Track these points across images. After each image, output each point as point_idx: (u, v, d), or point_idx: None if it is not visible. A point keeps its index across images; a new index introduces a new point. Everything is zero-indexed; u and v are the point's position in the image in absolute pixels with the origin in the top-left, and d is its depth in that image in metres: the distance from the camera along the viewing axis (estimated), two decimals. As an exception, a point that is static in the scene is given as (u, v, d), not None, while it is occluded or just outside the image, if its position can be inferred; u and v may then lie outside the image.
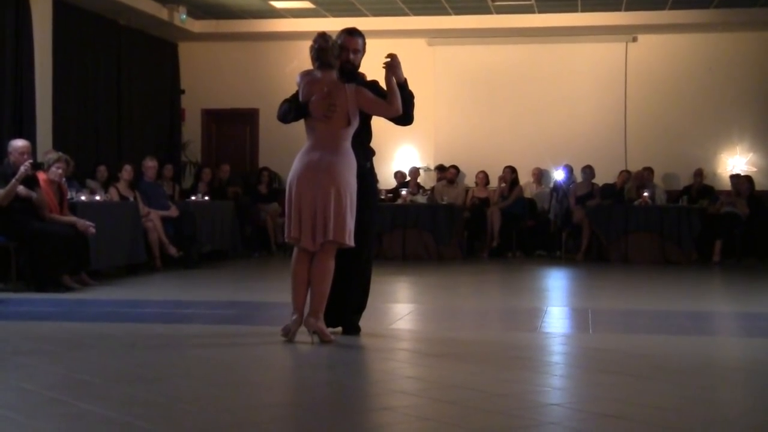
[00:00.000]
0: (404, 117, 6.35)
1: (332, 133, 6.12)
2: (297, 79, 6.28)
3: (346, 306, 6.39)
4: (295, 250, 6.19)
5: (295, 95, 6.28)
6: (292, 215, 6.13)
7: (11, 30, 12.01)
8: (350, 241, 6.06)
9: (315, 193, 6.01)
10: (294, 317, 6.12)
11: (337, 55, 6.18)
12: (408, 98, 6.33)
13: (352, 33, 6.42)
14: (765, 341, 6.72)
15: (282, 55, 15.81)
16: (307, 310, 6.10)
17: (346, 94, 6.11)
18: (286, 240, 6.24)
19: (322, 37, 6.19)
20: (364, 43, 6.45)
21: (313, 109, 6.10)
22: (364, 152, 6.43)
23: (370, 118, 6.45)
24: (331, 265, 6.08)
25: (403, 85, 6.25)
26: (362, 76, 6.44)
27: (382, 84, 6.24)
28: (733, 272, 12.58)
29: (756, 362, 5.88)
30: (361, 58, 6.43)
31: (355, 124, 6.17)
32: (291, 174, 6.18)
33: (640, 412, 4.29)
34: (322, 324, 6.07)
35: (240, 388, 4.87)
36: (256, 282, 11.14)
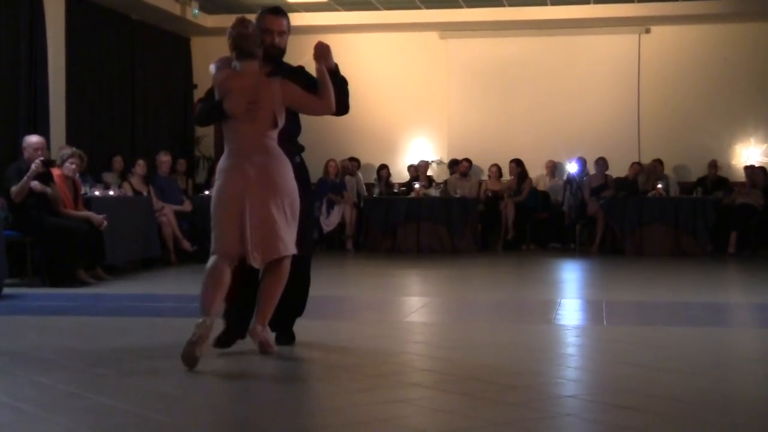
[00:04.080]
0: (339, 107, 5.59)
1: (257, 134, 5.28)
2: (211, 69, 5.44)
3: (284, 312, 5.68)
4: (218, 258, 5.25)
5: (211, 92, 5.48)
6: (221, 228, 5.26)
7: (25, 26, 12.03)
8: (294, 248, 5.36)
9: (257, 205, 5.20)
10: (201, 321, 5.04)
11: (260, 43, 5.37)
12: (341, 86, 5.60)
13: (275, 12, 5.62)
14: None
15: (295, 49, 15.46)
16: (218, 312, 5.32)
17: (272, 90, 5.30)
18: (215, 253, 5.25)
19: (241, 23, 5.36)
20: (289, 24, 5.66)
21: (231, 107, 5.25)
22: (293, 146, 5.62)
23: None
24: (288, 267, 5.38)
25: (334, 72, 5.53)
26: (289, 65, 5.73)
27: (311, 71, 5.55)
28: (748, 263, 12.54)
29: (771, 353, 5.88)
30: (287, 41, 5.66)
31: (282, 123, 5.36)
32: (220, 183, 5.30)
33: (656, 403, 4.29)
34: (267, 334, 5.42)
35: (255, 380, 4.89)
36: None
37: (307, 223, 5.75)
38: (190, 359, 4.91)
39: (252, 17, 5.55)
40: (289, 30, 5.65)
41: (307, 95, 5.40)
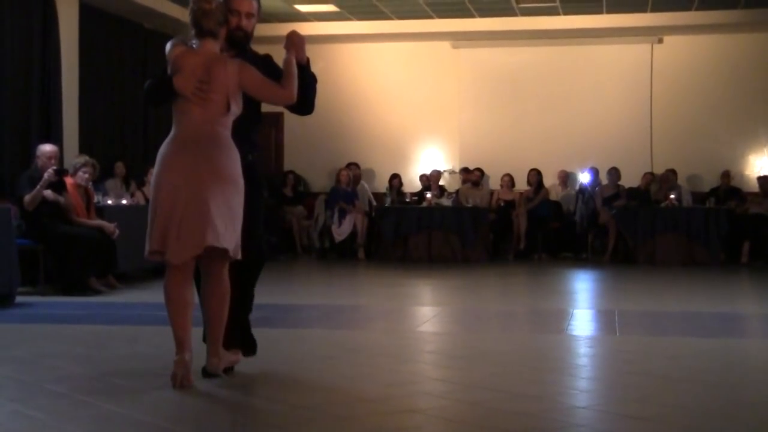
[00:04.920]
0: (303, 104, 5.12)
1: (208, 119, 4.78)
2: (167, 47, 4.95)
3: (238, 326, 5.17)
4: (167, 271, 4.82)
5: (165, 71, 4.96)
6: (158, 222, 4.74)
7: (39, 35, 12.09)
8: (239, 254, 4.82)
9: (193, 193, 4.68)
10: (179, 357, 4.73)
11: (222, 22, 4.89)
12: (309, 82, 5.12)
13: None
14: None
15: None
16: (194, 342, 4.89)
17: (227, 71, 4.80)
18: (146, 256, 4.83)
19: None
20: (260, 6, 5.18)
21: (180, 86, 4.76)
22: (247, 143, 5.08)
23: (259, 102, 5.19)
24: (228, 284, 4.85)
25: (304, 66, 5.07)
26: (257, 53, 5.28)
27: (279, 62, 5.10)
28: (761, 274, 12.49)
29: (785, 364, 5.86)
30: (255, 25, 5.17)
31: (237, 110, 4.86)
32: (157, 170, 4.84)
33: (668, 414, 4.27)
34: (225, 356, 4.96)
35: (263, 387, 4.89)
36: (283, 285, 11.16)
37: (257, 226, 5.14)
38: (185, 388, 4.68)
39: (284, 28, 5.19)
40: (259, 14, 5.18)
41: (267, 81, 4.89)
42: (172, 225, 4.68)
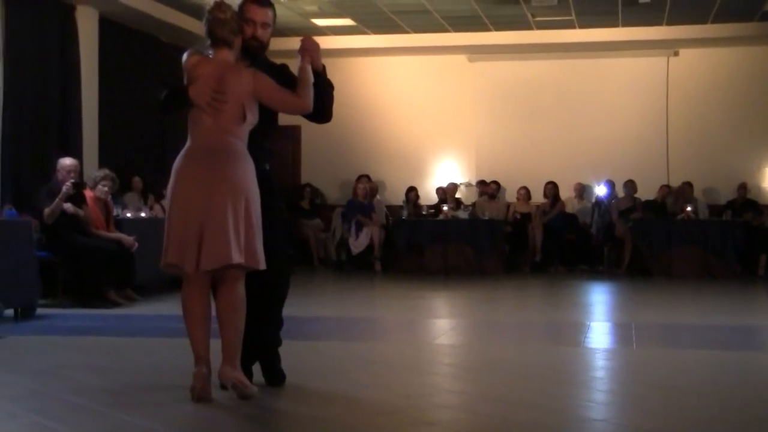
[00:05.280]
0: (319, 112, 5.00)
1: (222, 129, 4.73)
2: (183, 57, 4.93)
3: (262, 348, 5.12)
4: (184, 281, 4.80)
5: (181, 79, 4.93)
6: (174, 234, 4.70)
7: (58, 49, 12.16)
8: (262, 262, 4.73)
9: (208, 205, 4.62)
10: (196, 369, 4.70)
11: (236, 31, 4.83)
12: (325, 89, 5.00)
13: (259, 1, 4.98)
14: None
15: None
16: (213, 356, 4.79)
17: (241, 80, 4.75)
18: (162, 267, 4.81)
19: (218, 7, 4.80)
20: (275, 16, 5.05)
21: (195, 96, 4.73)
22: (262, 151, 4.99)
23: (276, 112, 5.10)
24: (243, 293, 4.74)
25: (320, 74, 4.95)
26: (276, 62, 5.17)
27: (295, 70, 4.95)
28: (777, 286, 12.45)
29: (802, 377, 5.83)
30: (271, 35, 5.06)
31: (253, 119, 4.81)
32: (172, 182, 4.79)
33: (685, 427, 4.26)
34: (240, 374, 4.74)
35: (286, 400, 4.89)
36: (300, 297, 11.13)
37: (276, 237, 5.01)
38: (203, 401, 4.64)
39: None
40: (274, 23, 5.05)
41: (281, 89, 4.81)
42: (189, 238, 4.62)
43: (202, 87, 4.74)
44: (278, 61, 5.11)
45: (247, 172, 4.73)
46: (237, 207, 4.64)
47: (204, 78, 4.76)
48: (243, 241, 4.64)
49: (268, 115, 4.99)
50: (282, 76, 4.97)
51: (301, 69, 4.85)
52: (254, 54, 4.98)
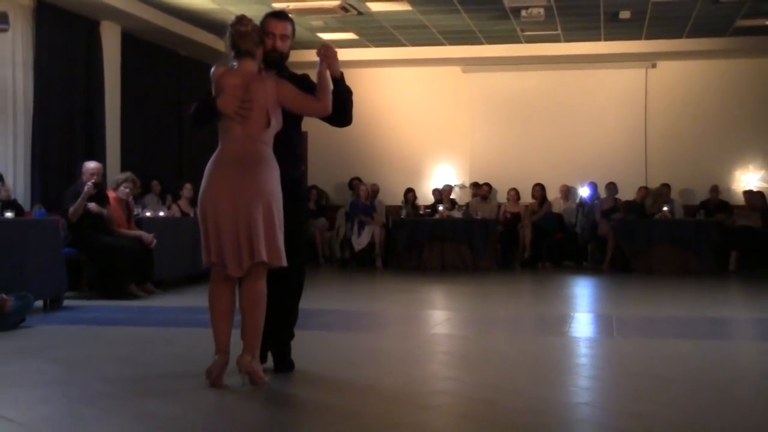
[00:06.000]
0: (340, 116, 5.04)
1: (250, 135, 4.73)
2: (211, 71, 4.90)
3: (277, 338, 5.19)
4: (212, 277, 4.84)
5: (209, 92, 4.90)
6: (210, 236, 4.73)
7: (83, 62, 12.19)
8: (284, 260, 4.76)
9: (237, 209, 4.66)
10: (216, 357, 4.76)
11: (257, 42, 4.83)
12: (344, 95, 5.04)
13: (278, 15, 5.05)
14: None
15: (328, 83, 15.82)
16: (233, 345, 4.82)
17: (265, 88, 4.76)
18: (205, 265, 4.81)
19: (239, 21, 4.82)
20: (294, 29, 5.08)
21: (223, 105, 4.73)
22: (293, 158, 5.09)
23: (301, 118, 5.15)
24: (264, 288, 4.77)
25: (338, 80, 4.99)
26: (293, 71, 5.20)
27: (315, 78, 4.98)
28: (748, 281, 12.44)
29: (771, 365, 5.84)
30: (290, 46, 5.08)
31: (277, 124, 4.81)
32: (203, 187, 4.77)
33: (662, 410, 4.26)
34: (257, 364, 4.78)
35: (294, 388, 4.91)
36: (306, 291, 11.14)
37: (301, 238, 5.16)
38: (216, 387, 4.70)
39: (308, 54, 5.03)
40: (293, 35, 5.07)
41: (302, 94, 4.82)
42: (226, 240, 4.66)
43: (229, 97, 4.74)
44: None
45: (271, 175, 4.73)
46: (263, 208, 4.66)
47: (230, 88, 4.76)
48: (268, 240, 4.67)
49: (296, 123, 5.04)
50: (304, 84, 4.98)
51: (320, 74, 4.86)
52: (275, 64, 4.98)
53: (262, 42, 4.89)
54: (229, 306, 4.81)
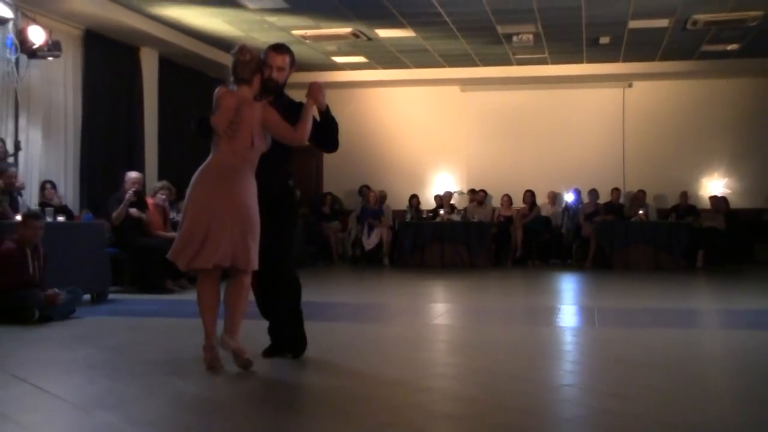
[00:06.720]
0: (326, 143, 5.08)
1: (234, 152, 4.76)
2: (215, 91, 4.96)
3: (287, 341, 5.19)
4: (199, 277, 4.88)
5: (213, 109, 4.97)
6: (181, 234, 4.79)
7: (125, 84, 12.23)
8: (253, 264, 4.72)
9: (211, 215, 4.67)
10: (206, 343, 4.82)
11: (254, 71, 4.84)
12: (330, 125, 5.02)
13: (277, 48, 5.02)
14: (744, 332, 6.63)
15: (341, 100, 15.71)
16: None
17: (254, 112, 4.77)
18: (169, 257, 4.84)
19: (240, 51, 4.85)
20: (293, 61, 5.05)
21: (215, 123, 4.79)
22: (283, 170, 5.06)
23: None
24: (248, 282, 4.80)
25: (325, 112, 4.98)
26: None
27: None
28: (714, 276, 12.40)
29: (736, 350, 5.82)
30: (287, 77, 5.07)
31: (261, 145, 4.80)
32: (188, 192, 4.85)
33: (639, 391, 4.26)
34: (238, 343, 4.77)
35: (306, 372, 4.90)
36: (320, 286, 11.16)
37: (290, 245, 5.09)
38: (215, 371, 4.73)
39: (323, 76, 5.04)
40: (292, 67, 5.04)
41: (283, 123, 4.79)
42: (195, 239, 4.68)
43: (221, 116, 4.78)
44: (304, 91, 5.09)
45: (246, 188, 4.73)
46: (236, 218, 4.66)
47: (225, 108, 4.80)
48: (240, 246, 4.66)
49: (282, 144, 4.95)
50: (298, 111, 4.89)
51: (305, 108, 4.85)
52: (272, 92, 4.96)
53: (261, 71, 4.88)
54: (213, 301, 4.83)
